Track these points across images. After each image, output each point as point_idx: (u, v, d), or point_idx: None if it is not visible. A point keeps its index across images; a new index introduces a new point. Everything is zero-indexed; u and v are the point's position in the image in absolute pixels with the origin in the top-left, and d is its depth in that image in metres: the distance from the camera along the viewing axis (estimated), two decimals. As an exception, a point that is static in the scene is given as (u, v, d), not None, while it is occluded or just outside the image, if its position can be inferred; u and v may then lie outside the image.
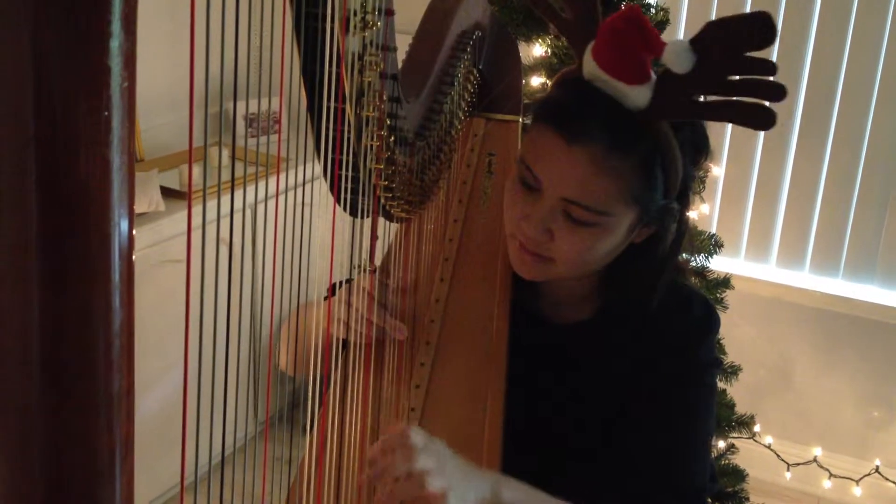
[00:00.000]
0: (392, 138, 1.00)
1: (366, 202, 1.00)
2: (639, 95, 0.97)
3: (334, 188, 0.95)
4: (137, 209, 2.31)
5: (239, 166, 2.49)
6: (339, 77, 0.87)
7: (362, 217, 1.02)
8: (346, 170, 0.95)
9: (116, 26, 0.43)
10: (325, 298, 1.13)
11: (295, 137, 2.26)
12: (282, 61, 0.77)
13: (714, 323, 1.14)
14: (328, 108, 0.88)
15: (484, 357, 1.13)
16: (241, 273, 2.50)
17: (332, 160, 0.92)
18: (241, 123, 2.81)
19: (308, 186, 0.93)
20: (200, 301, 0.61)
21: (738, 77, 0.92)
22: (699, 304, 1.14)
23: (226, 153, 2.49)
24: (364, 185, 0.98)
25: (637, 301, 1.11)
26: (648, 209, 1.03)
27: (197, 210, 2.40)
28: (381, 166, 0.99)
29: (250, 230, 2.33)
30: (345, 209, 0.99)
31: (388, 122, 0.99)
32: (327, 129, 0.89)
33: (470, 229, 1.29)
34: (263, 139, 2.83)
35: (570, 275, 1.09)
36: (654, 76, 0.97)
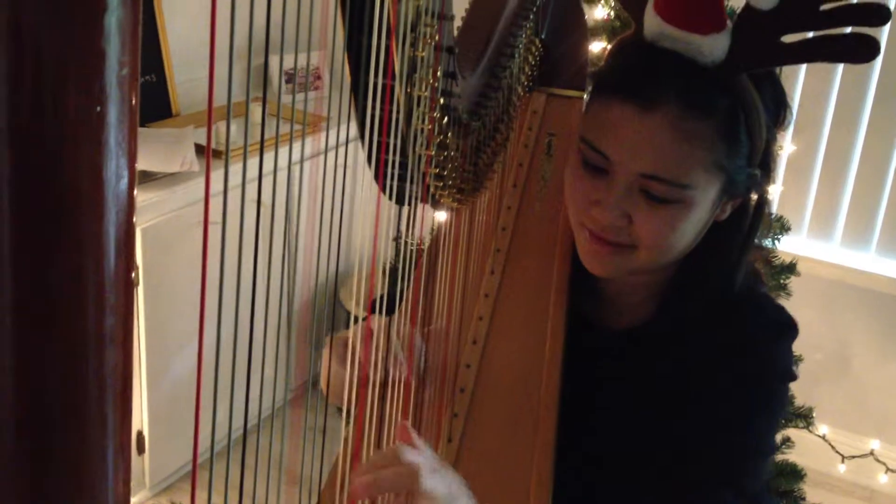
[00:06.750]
0: (445, 120, 0.89)
1: (414, 190, 0.89)
2: (715, 45, 0.86)
3: (379, 175, 0.84)
4: (170, 168, 2.21)
5: (276, 124, 2.39)
6: (388, 51, 0.75)
7: (410, 205, 0.91)
8: (394, 155, 0.84)
9: (113, -5, 0.34)
10: (364, 319, 1.02)
11: (329, 95, 2.14)
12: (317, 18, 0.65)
13: (790, 329, 1.01)
14: (374, 86, 0.76)
15: (536, 357, 1.03)
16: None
17: (378, 144, 0.80)
18: (279, 79, 2.69)
19: (345, 148, 0.82)
20: (221, 264, 0.51)
21: (829, 6, 0.80)
22: (772, 309, 1.03)
23: (261, 110, 2.39)
24: (412, 171, 0.87)
25: (702, 303, 1.00)
26: (734, 178, 0.92)
27: (231, 170, 2.30)
28: (433, 152, 0.87)
29: (284, 191, 2.23)
30: (389, 198, 0.88)
31: (442, 101, 0.87)
32: (373, 110, 0.78)
33: (525, 217, 1.17)
34: (301, 96, 2.71)
35: (652, 264, 0.97)
36: (729, 22, 0.86)
